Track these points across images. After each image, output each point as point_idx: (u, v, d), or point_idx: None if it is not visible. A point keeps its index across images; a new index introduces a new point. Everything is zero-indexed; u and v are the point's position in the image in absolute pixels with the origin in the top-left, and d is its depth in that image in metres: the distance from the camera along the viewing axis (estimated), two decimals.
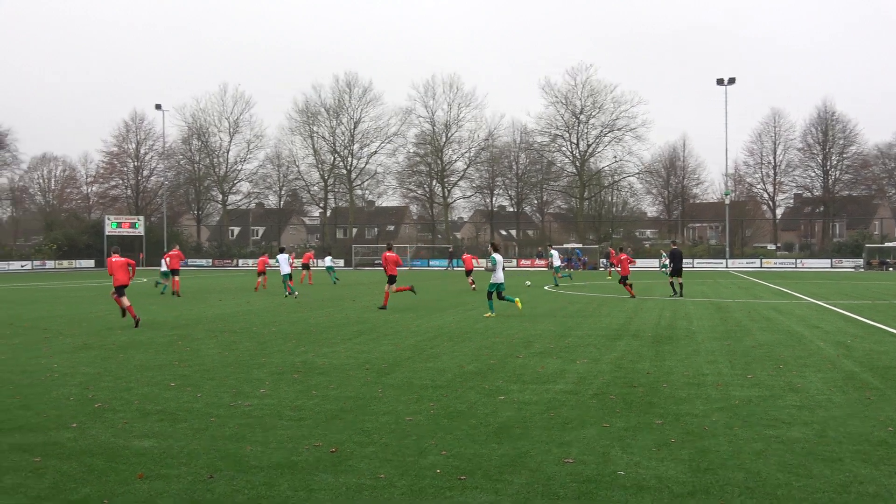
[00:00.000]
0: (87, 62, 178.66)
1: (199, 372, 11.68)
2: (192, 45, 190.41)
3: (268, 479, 6.32)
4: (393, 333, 16.37)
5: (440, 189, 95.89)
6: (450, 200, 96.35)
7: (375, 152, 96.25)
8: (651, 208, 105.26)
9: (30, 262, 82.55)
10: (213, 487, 6.15)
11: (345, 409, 8.96)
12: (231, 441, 7.54)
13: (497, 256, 20.90)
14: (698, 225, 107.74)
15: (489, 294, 20.95)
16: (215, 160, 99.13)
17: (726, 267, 75.14)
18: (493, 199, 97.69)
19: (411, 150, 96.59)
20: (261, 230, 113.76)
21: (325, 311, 22.26)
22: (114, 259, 18.92)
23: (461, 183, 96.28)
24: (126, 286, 18.87)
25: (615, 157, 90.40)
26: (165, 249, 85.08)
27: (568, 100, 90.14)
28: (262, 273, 37.58)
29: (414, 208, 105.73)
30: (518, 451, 7.12)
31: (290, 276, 31.48)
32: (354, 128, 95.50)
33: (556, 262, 41.76)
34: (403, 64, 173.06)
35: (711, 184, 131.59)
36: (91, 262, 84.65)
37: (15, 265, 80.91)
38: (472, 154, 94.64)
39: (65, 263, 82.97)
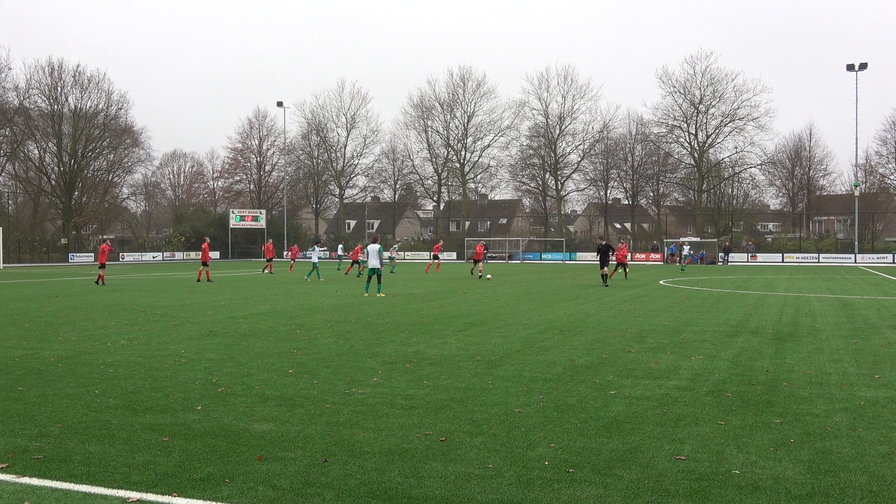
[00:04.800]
0: (212, 59, 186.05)
1: (315, 360, 11.98)
2: (312, 44, 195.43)
3: (379, 465, 6.47)
4: (503, 326, 16.35)
5: (553, 182, 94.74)
6: (563, 193, 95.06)
7: (489, 145, 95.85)
8: (774, 201, 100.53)
9: (160, 254, 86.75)
10: (328, 471, 6.34)
11: (455, 400, 9.02)
12: (345, 427, 7.74)
13: (372, 247, 24.87)
14: (825, 218, 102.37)
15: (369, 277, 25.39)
16: (333, 155, 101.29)
17: (855, 262, 71.86)
18: (608, 191, 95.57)
19: (524, 143, 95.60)
20: (376, 223, 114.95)
21: (438, 302, 22.46)
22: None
23: (575, 176, 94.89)
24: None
25: (736, 147, 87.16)
26: (287, 243, 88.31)
27: (686, 89, 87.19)
28: (270, 260, 45.83)
29: (526, 201, 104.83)
30: (628, 446, 7.03)
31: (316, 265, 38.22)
32: (468, 121, 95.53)
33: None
34: (517, 57, 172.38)
35: (839, 175, 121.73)
36: (217, 254, 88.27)
37: (147, 256, 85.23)
38: (586, 146, 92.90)
39: (192, 255, 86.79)
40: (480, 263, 39.76)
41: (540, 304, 21.71)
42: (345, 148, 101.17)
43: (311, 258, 41.83)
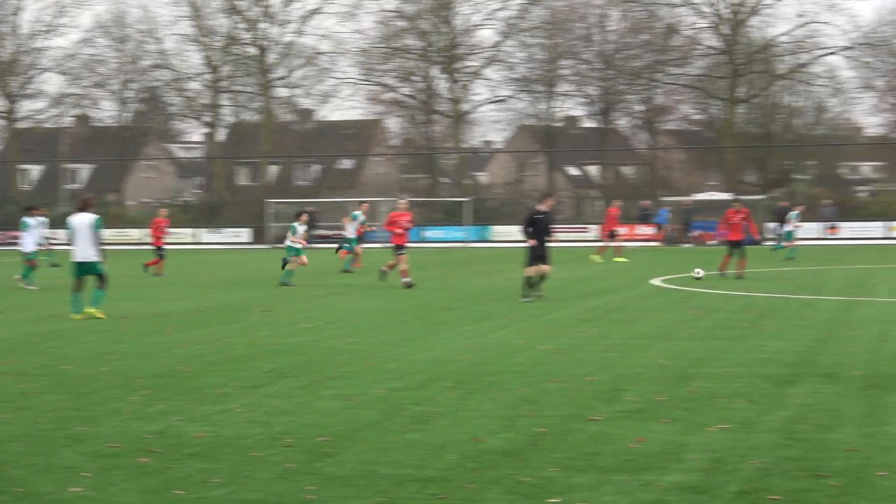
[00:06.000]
0: None
1: None
2: None
3: None
4: (345, 376, 9.91)
5: (447, 84, 58.81)
6: (465, 107, 59.52)
7: (316, 11, 57.81)
8: (874, 120, 60.32)
9: None
10: None
11: None
12: None
13: (79, 219, 14.79)
14: None
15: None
16: None
17: None
18: (555, 103, 59.72)
19: (387, 9, 58.40)
20: (86, 170, 69.99)
21: (212, 331, 14.15)
22: None
23: (489, 72, 58.83)
24: None
25: (801, 15, 52.80)
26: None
27: None
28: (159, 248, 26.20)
29: (394, 124, 65.18)
30: None
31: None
32: None
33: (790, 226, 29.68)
34: None
35: None
36: None
37: None
38: (509, 13, 57.22)
39: None
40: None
41: (419, 331, 13.92)
42: (16, 17, 58.42)
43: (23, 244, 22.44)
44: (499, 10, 57.47)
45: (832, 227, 44.29)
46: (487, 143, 72.34)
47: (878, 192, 56.01)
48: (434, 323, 14.84)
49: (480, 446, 6.75)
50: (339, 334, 13.52)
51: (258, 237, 52.10)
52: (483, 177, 74.08)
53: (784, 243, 30.66)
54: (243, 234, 53.53)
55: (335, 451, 6.55)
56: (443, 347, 12.00)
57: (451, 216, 52.49)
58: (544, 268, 17.05)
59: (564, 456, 6.43)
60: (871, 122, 61.73)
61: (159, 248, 26.34)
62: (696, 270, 21.14)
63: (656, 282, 22.20)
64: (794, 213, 31.58)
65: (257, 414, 7.99)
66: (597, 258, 30.19)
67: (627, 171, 64.44)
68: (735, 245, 22.05)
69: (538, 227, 17.17)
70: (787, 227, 30.76)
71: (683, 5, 55.73)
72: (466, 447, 6.72)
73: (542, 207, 17.54)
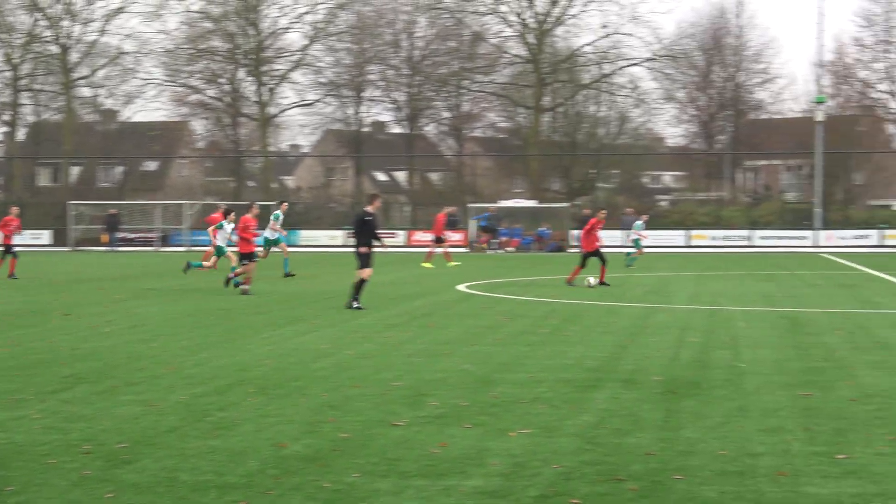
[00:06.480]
0: None
1: None
2: None
3: None
4: (146, 380, 9.49)
5: (253, 87, 58.22)
6: (272, 111, 58.70)
7: (121, 10, 56.03)
8: (675, 130, 62.66)
9: None
10: None
11: None
12: None
13: None
14: (763, 163, 63.50)
15: None
16: None
17: (815, 244, 45.88)
18: (362, 108, 59.78)
19: (192, 11, 57.07)
20: None
21: (8, 336, 13.35)
22: None
23: (296, 76, 58.38)
24: None
25: (605, 27, 53.91)
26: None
27: None
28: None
29: (200, 126, 64.03)
30: None
31: None
32: None
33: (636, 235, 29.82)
34: None
35: (791, 82, 74.89)
36: None
37: None
38: (317, 18, 56.56)
39: None
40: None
41: (222, 336, 13.30)
42: None
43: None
44: (306, 13, 56.72)
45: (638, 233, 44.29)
46: (295, 147, 70.71)
47: (678, 202, 56.41)
48: (238, 327, 14.35)
49: (283, 452, 6.57)
50: (141, 339, 12.97)
51: (59, 239, 50.18)
52: (290, 181, 72.63)
53: (633, 251, 30.38)
54: (44, 237, 51.19)
55: (134, 458, 6.27)
56: (246, 352, 11.65)
57: (258, 220, 51.59)
58: (368, 270, 16.51)
59: (367, 461, 6.31)
60: (672, 133, 63.74)
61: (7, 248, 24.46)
62: (588, 279, 20.63)
63: (463, 287, 21.75)
64: (638, 223, 31.53)
65: (54, 420, 7.59)
66: (428, 265, 29.26)
67: (435, 177, 64.70)
68: (593, 255, 21.40)
69: (367, 230, 16.57)
70: (633, 236, 30.71)
71: (490, 14, 55.51)
72: (268, 453, 6.54)
73: (370, 209, 16.94)
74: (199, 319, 15.47)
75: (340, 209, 56.54)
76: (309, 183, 64.57)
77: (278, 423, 7.50)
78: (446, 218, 31.70)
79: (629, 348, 11.85)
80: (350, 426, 7.28)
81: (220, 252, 21.10)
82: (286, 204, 22.73)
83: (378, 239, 16.70)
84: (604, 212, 23.49)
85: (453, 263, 29.66)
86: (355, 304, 16.14)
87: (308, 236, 49.66)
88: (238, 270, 19.95)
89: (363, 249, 16.13)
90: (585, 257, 21.47)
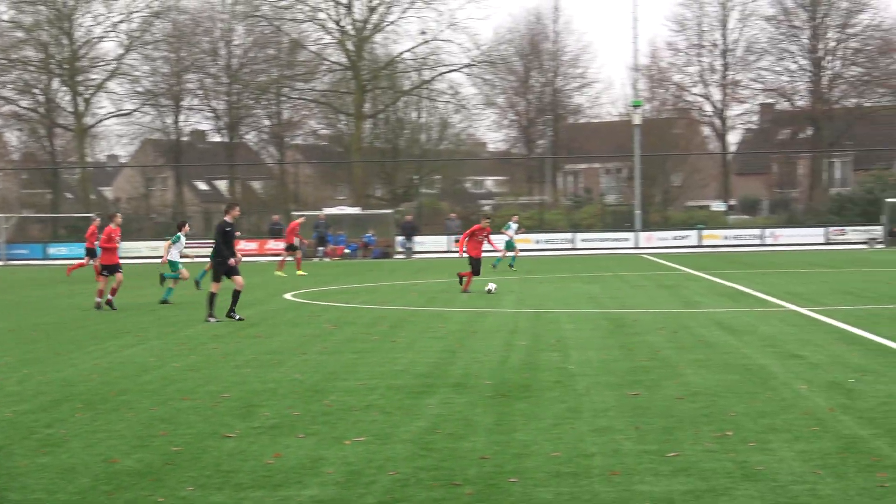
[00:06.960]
0: None
1: None
2: None
3: None
4: None
5: (69, 97, 56.19)
6: (89, 121, 56.65)
7: None
8: (495, 135, 63.61)
9: None
10: None
11: None
12: None
13: None
14: (583, 167, 65.81)
15: None
16: None
17: (636, 246, 46.57)
18: (181, 117, 58.17)
19: (2, 20, 54.77)
20: None
21: None
22: None
23: (112, 85, 56.31)
24: None
25: (424, 33, 53.43)
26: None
27: None
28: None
29: (14, 137, 61.35)
30: None
31: None
32: None
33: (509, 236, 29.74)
34: None
35: (608, 87, 69.21)
36: None
37: None
38: (132, 27, 55.04)
39: None
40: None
41: (46, 351, 12.74)
42: None
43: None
44: (121, 22, 54.82)
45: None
46: (113, 157, 67.90)
47: (500, 206, 55.02)
48: (62, 342, 13.71)
49: (114, 468, 6.37)
50: None
51: None
52: (109, 192, 70.07)
53: (509, 253, 30.23)
54: None
55: None
56: (72, 367, 11.17)
57: (77, 233, 47.59)
58: (239, 279, 15.86)
59: (201, 474, 6.14)
60: (493, 138, 64.25)
61: None
62: (489, 286, 20.25)
63: (289, 296, 21.30)
64: (512, 225, 31.76)
65: None
66: (280, 273, 28.33)
67: (257, 185, 63.64)
68: (476, 261, 21.19)
69: (228, 240, 15.97)
70: (507, 238, 30.70)
71: (308, 21, 54.63)
72: (100, 469, 6.35)
73: (229, 219, 16.34)
74: (22, 335, 14.69)
75: (161, 220, 55.16)
76: (128, 194, 61.77)
77: (108, 438, 7.26)
78: (298, 227, 31.10)
79: (459, 353, 11.76)
80: (181, 439, 7.08)
81: (174, 266, 19.70)
82: (188, 226, 21.05)
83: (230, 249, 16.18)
84: (487, 220, 22.89)
85: (301, 272, 29.09)
86: (213, 319, 15.42)
87: (129, 247, 47.03)
88: (101, 287, 18.71)
89: (232, 261, 15.54)
90: (475, 263, 21.14)
